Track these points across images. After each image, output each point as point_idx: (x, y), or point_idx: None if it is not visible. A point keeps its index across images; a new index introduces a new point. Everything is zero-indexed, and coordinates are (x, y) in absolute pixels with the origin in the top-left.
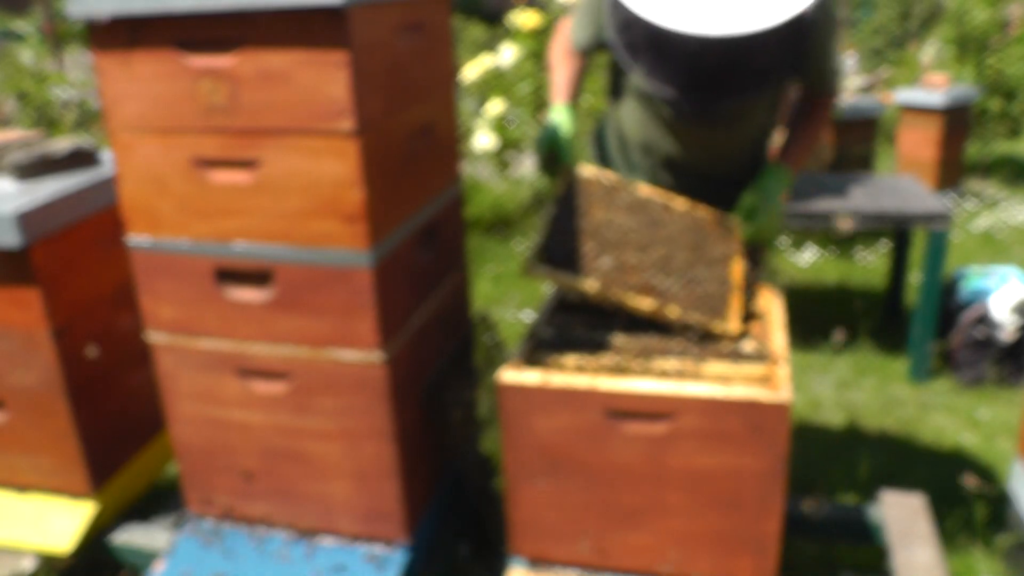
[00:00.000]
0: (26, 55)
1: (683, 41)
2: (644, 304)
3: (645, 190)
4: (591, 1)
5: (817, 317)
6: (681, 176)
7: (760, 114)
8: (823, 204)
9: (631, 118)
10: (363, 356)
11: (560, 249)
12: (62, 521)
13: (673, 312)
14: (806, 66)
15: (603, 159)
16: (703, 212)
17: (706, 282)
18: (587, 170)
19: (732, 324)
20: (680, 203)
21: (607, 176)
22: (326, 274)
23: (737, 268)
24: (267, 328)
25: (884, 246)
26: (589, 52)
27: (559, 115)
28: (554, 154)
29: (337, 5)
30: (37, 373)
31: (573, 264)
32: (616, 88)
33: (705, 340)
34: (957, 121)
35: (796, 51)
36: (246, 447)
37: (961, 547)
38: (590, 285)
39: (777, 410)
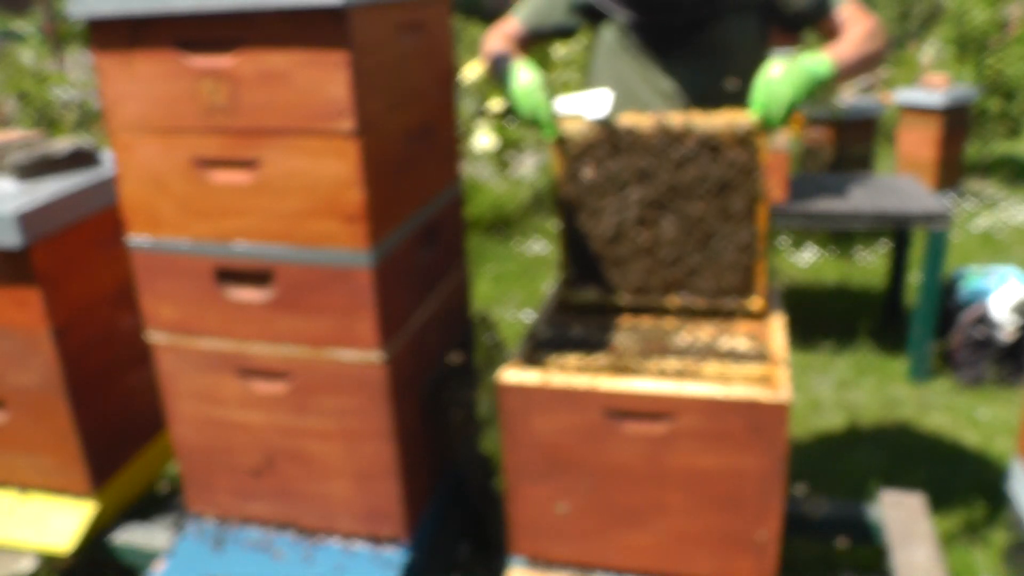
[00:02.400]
0: (26, 55)
1: None
2: (672, 303)
3: (646, 126)
4: None
5: (817, 317)
6: None
7: (739, 52)
8: (823, 204)
9: (616, 90)
10: (363, 356)
11: (585, 270)
12: (62, 521)
13: (699, 304)
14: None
15: None
16: (716, 125)
17: (728, 252)
18: (575, 136)
19: (756, 302)
20: (686, 127)
21: (598, 135)
22: (326, 274)
23: (762, 216)
24: (267, 328)
25: (884, 246)
26: (539, 35)
27: (522, 70)
28: (536, 109)
29: (337, 5)
30: (37, 373)
31: (603, 279)
32: (594, 72)
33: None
34: (956, 121)
35: None
36: (246, 447)
37: (960, 547)
38: (624, 300)
39: (777, 410)
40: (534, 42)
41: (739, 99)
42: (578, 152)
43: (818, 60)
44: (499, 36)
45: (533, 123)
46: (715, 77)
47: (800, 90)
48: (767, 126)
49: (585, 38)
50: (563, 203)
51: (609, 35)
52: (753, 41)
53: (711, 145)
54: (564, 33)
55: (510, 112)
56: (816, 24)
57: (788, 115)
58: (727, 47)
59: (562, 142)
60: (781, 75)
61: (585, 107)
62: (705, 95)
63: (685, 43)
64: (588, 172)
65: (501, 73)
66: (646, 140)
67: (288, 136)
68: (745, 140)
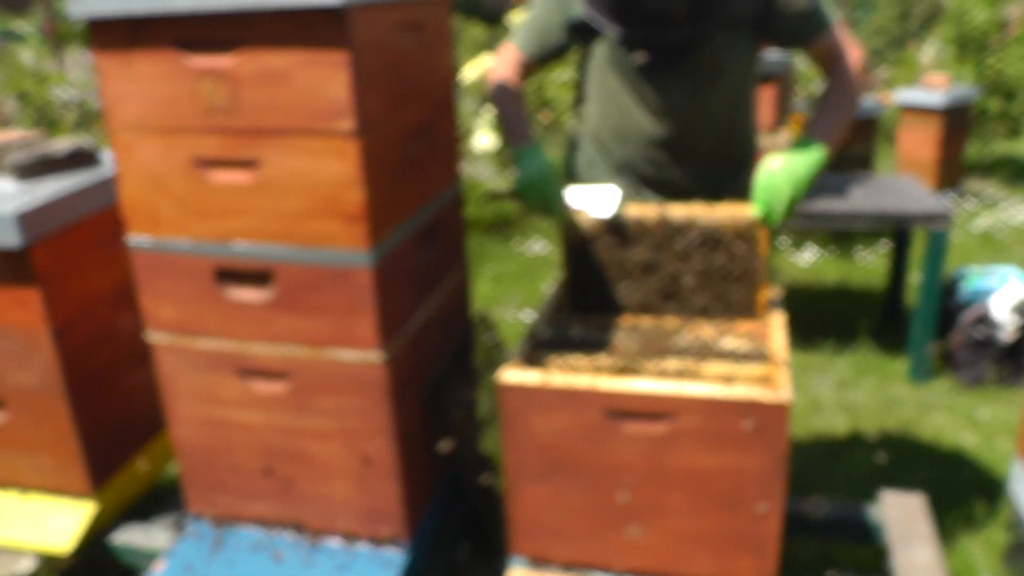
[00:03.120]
0: (26, 55)
1: None
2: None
3: (650, 218)
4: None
5: (817, 317)
6: (666, 162)
7: (730, 68)
8: (823, 204)
9: (606, 107)
10: (363, 356)
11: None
12: (62, 521)
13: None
14: (775, 20)
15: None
16: (719, 218)
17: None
18: (582, 224)
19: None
20: (688, 220)
21: (604, 227)
22: (326, 274)
23: (762, 305)
24: (267, 328)
25: (884, 246)
26: (540, 59)
27: (532, 158)
28: (545, 201)
29: (337, 5)
30: (37, 373)
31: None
32: (586, 88)
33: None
34: (957, 121)
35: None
36: (246, 447)
37: (961, 547)
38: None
39: (777, 410)
40: (538, 67)
41: (729, 120)
42: (583, 240)
43: (813, 151)
44: (504, 67)
45: (540, 209)
46: (705, 94)
47: (801, 187)
48: (768, 222)
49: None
50: (567, 285)
51: (600, 51)
52: (744, 58)
53: (714, 238)
54: (562, 52)
55: (514, 195)
56: (804, 46)
57: (789, 210)
58: (718, 64)
59: (568, 228)
60: (781, 171)
61: (593, 203)
62: (695, 111)
63: (676, 61)
64: (593, 259)
65: (508, 144)
66: (650, 232)
67: (288, 136)
68: (746, 234)
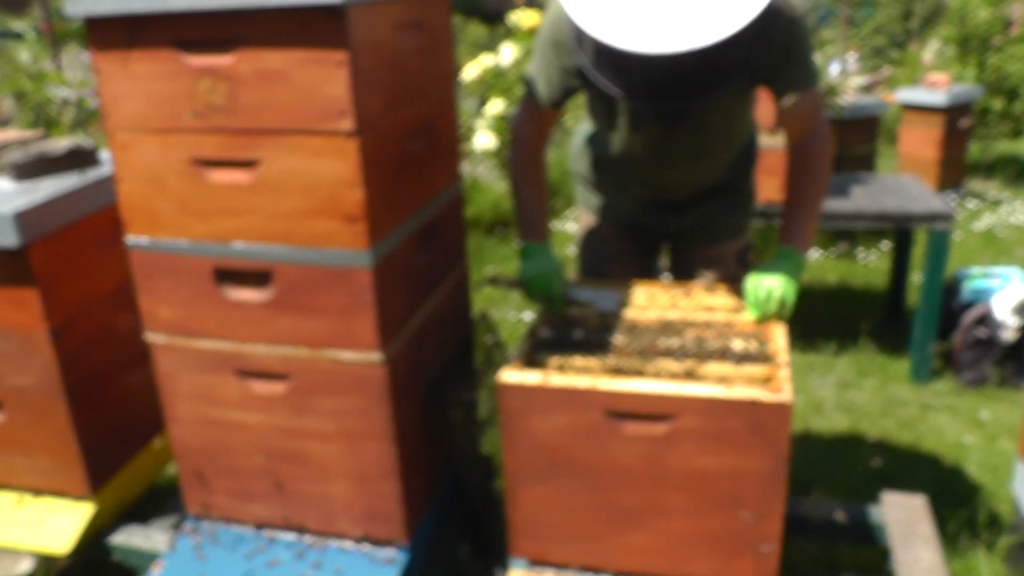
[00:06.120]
0: (24, 54)
1: (643, 58)
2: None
3: (646, 319)
4: (549, 47)
5: (818, 317)
6: (661, 185)
7: (728, 112)
8: (825, 204)
9: (605, 132)
10: (363, 356)
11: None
12: (61, 522)
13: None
14: (771, 65)
15: (584, 173)
16: (717, 321)
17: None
18: (579, 312)
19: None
20: (683, 321)
21: (602, 319)
22: (326, 274)
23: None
24: (266, 328)
25: (885, 246)
26: (558, 103)
27: (540, 256)
28: (548, 298)
29: (336, 4)
30: (36, 374)
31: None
32: (588, 107)
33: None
34: (959, 121)
35: (760, 52)
36: (245, 448)
37: (963, 548)
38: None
39: (778, 410)
40: (559, 110)
41: (727, 147)
42: (576, 321)
43: (796, 260)
44: (527, 123)
45: (543, 301)
46: (705, 135)
47: (789, 295)
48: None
49: None
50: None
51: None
52: (743, 97)
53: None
54: (577, 91)
55: (519, 283)
56: (785, 94)
57: (779, 311)
58: (718, 111)
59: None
60: (769, 281)
61: (595, 299)
62: (694, 151)
63: (679, 117)
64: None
65: (519, 232)
66: (645, 329)
67: (287, 136)
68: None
